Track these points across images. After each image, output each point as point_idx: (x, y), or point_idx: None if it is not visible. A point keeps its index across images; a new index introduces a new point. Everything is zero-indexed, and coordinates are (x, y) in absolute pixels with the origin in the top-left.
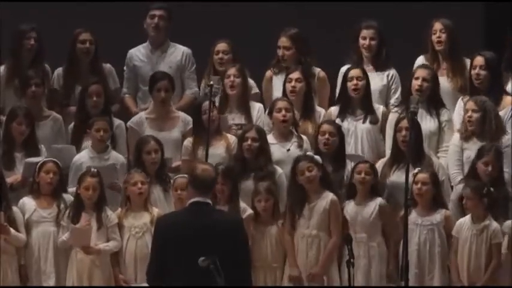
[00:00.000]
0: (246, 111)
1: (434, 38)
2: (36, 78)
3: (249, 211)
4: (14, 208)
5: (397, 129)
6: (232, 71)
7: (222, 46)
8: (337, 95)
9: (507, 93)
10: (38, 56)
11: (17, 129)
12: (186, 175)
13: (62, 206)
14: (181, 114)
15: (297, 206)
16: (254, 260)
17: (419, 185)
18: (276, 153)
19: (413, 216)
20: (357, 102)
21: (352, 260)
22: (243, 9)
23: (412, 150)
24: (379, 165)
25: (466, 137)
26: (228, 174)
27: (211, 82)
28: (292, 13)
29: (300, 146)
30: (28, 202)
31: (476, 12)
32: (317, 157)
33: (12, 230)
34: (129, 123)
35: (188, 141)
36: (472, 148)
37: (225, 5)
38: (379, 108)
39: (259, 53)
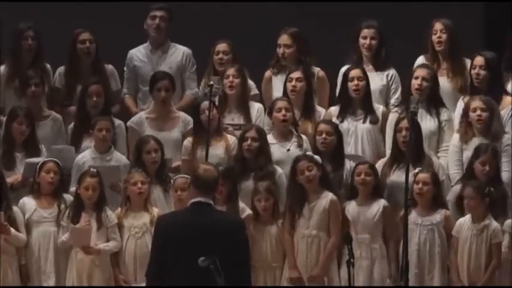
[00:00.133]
0: (245, 112)
1: (434, 38)
2: (35, 78)
3: (248, 211)
4: (14, 208)
5: (397, 130)
6: (231, 71)
7: (222, 46)
8: (337, 95)
9: (507, 93)
10: (38, 56)
11: (17, 129)
12: (186, 175)
13: (63, 206)
14: (182, 114)
15: (296, 205)
16: (254, 260)
17: (420, 185)
18: (276, 153)
19: (413, 216)
20: (357, 102)
21: (352, 259)
22: (243, 9)
23: (412, 150)
24: (379, 165)
25: (466, 139)
26: (227, 175)
27: (211, 82)
28: (292, 13)
29: (300, 145)
30: (28, 202)
31: (476, 12)
32: (317, 157)
33: (12, 230)
34: (129, 123)
35: (188, 141)
36: (472, 148)
37: (225, 5)
38: (379, 108)
39: (259, 53)
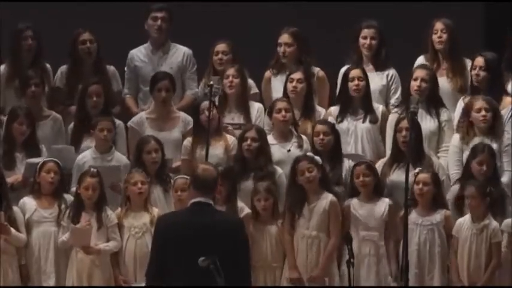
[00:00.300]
0: (245, 111)
1: (435, 37)
2: (35, 78)
3: (247, 210)
4: (15, 208)
5: (397, 130)
6: (231, 71)
7: (221, 47)
8: (337, 95)
9: (507, 94)
10: (38, 55)
11: (17, 129)
12: (186, 175)
13: (63, 206)
14: (182, 115)
15: (296, 206)
16: (254, 260)
17: (420, 185)
18: (276, 154)
19: (414, 216)
20: (357, 102)
21: (352, 259)
22: (243, 9)
23: (412, 150)
24: (379, 165)
25: (468, 140)
26: (227, 175)
27: (211, 82)
28: (292, 13)
29: (300, 146)
30: (29, 202)
31: (476, 12)
32: (317, 158)
33: (12, 230)
34: (129, 123)
35: (187, 141)
36: None
37: (225, 5)
38: (379, 108)
39: (259, 53)
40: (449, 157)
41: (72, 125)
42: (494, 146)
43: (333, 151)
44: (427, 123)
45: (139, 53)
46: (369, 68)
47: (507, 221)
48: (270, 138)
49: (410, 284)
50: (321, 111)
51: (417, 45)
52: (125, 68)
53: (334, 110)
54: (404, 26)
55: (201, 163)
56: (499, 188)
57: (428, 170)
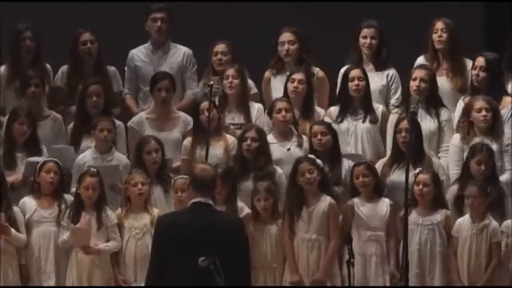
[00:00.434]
0: (246, 112)
1: (435, 37)
2: (35, 78)
3: (247, 210)
4: (15, 208)
5: (397, 130)
6: (230, 71)
7: (220, 47)
8: (337, 95)
9: (507, 94)
10: (37, 56)
11: (18, 129)
12: (185, 176)
13: (63, 206)
14: (182, 115)
15: (295, 207)
16: (254, 260)
17: (420, 186)
18: (276, 153)
19: (414, 216)
20: (357, 102)
21: (352, 260)
22: (243, 9)
23: (412, 150)
24: (379, 165)
25: (468, 140)
26: (227, 177)
27: (211, 82)
28: (292, 13)
29: (300, 145)
30: (29, 202)
31: (476, 12)
32: (319, 161)
33: (12, 230)
34: (129, 123)
35: (187, 141)
36: None
37: (225, 5)
38: (379, 108)
39: (259, 53)
40: (450, 157)
41: (72, 125)
42: (494, 146)
43: (331, 151)
44: (427, 123)
45: (139, 53)
46: (369, 67)
47: (507, 222)
48: (270, 138)
49: (412, 283)
50: (320, 111)
51: (417, 45)
52: (125, 68)
53: (334, 110)
54: (404, 26)
55: (199, 163)
56: (498, 188)
57: (428, 170)
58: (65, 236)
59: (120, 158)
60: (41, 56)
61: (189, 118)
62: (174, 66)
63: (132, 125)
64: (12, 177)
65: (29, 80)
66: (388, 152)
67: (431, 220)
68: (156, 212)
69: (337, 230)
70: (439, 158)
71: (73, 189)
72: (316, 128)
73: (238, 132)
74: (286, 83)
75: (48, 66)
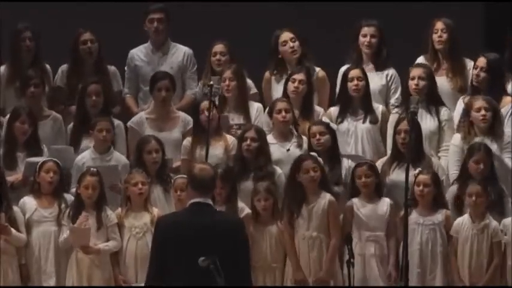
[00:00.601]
0: (245, 112)
1: (435, 37)
2: (35, 78)
3: (247, 210)
4: (15, 208)
5: (396, 131)
6: (227, 74)
7: (219, 47)
8: (336, 95)
9: (507, 94)
10: (37, 56)
11: (19, 128)
12: (185, 175)
13: (63, 205)
14: (182, 114)
15: (294, 204)
16: (254, 260)
17: (421, 187)
18: (275, 153)
19: (415, 216)
20: (357, 102)
21: (352, 260)
22: (243, 10)
23: (412, 151)
24: (379, 164)
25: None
26: (227, 177)
27: (211, 82)
28: (292, 13)
29: (300, 145)
30: (29, 201)
31: (476, 12)
32: (320, 159)
33: (13, 230)
34: (129, 123)
35: (187, 141)
36: None
37: (225, 5)
38: (379, 108)
39: (259, 53)
40: (450, 157)
41: (71, 124)
42: (495, 145)
43: (330, 151)
44: (427, 123)
45: (139, 53)
46: (368, 67)
47: (505, 220)
48: (270, 138)
49: (413, 283)
50: (319, 111)
51: (417, 45)
52: (125, 68)
53: (334, 110)
54: (404, 26)
55: (198, 163)
56: (497, 188)
57: (428, 170)
58: (65, 234)
59: (118, 157)
60: (40, 56)
61: (189, 118)
62: (174, 66)
63: (132, 125)
64: (12, 177)
65: (29, 80)
66: (389, 152)
67: (432, 220)
68: (156, 211)
69: (337, 228)
70: (439, 158)
71: (73, 190)
72: (314, 128)
73: (239, 132)
74: (286, 83)
75: (48, 66)
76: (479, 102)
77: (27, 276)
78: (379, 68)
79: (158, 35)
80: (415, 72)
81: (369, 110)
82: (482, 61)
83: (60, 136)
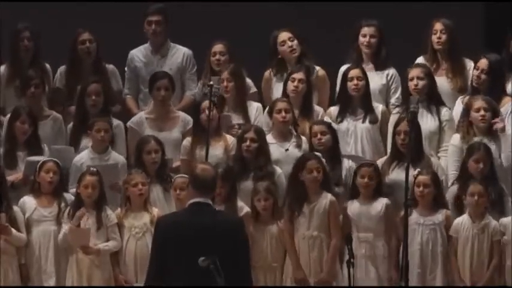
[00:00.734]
0: (244, 112)
1: (434, 38)
2: (36, 78)
3: (246, 209)
4: (15, 207)
5: (396, 132)
6: (225, 74)
7: (218, 47)
8: (336, 94)
9: (507, 94)
10: (36, 56)
11: (20, 128)
12: (185, 175)
13: (63, 205)
14: (181, 114)
15: (296, 203)
16: (254, 260)
17: (421, 188)
18: (274, 153)
19: (415, 216)
20: (357, 102)
21: (352, 260)
22: (243, 10)
23: (411, 150)
24: (378, 164)
25: (468, 139)
26: (227, 176)
27: (211, 82)
28: (292, 13)
29: (299, 146)
30: (28, 201)
31: (476, 12)
32: (323, 160)
33: (13, 230)
34: (129, 123)
35: (187, 141)
36: None
37: (225, 5)
38: (378, 107)
39: (259, 53)
40: (449, 157)
41: (71, 124)
42: (493, 146)
43: (331, 151)
44: (428, 123)
45: (139, 53)
46: (368, 67)
47: (503, 219)
48: (269, 138)
49: (414, 283)
50: (319, 110)
51: (417, 45)
52: (125, 68)
53: (334, 110)
54: (404, 26)
55: (200, 163)
56: (497, 187)
57: (428, 171)
58: (64, 230)
59: (116, 157)
60: (39, 56)
61: (189, 118)
62: (174, 67)
63: (131, 125)
64: (12, 176)
65: (29, 81)
66: (389, 152)
67: (432, 220)
68: (155, 211)
69: (338, 228)
70: (439, 158)
71: (72, 190)
72: (316, 127)
73: (240, 132)
74: (285, 83)
75: (48, 66)
76: (478, 103)
77: (27, 276)
78: (379, 67)
79: (156, 37)
80: (414, 72)
81: (368, 110)
82: (483, 63)
83: (60, 136)
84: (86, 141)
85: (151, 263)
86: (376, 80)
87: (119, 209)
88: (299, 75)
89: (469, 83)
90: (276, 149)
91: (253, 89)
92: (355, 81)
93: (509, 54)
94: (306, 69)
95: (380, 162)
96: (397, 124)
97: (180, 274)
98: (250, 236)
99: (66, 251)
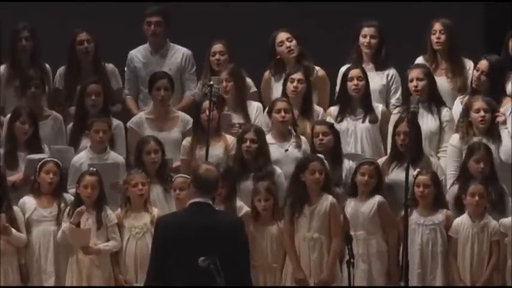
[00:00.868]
0: (244, 112)
1: (433, 38)
2: (36, 79)
3: (246, 209)
4: (15, 207)
5: (395, 133)
6: (223, 75)
7: (218, 47)
8: (336, 94)
9: (506, 95)
10: (35, 55)
11: (20, 128)
12: (185, 175)
13: (63, 205)
14: (181, 114)
15: (297, 204)
16: (254, 260)
17: (421, 188)
18: (274, 153)
19: (415, 216)
20: (357, 102)
21: (352, 260)
22: (243, 10)
23: (411, 151)
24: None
25: (467, 140)
26: (227, 176)
27: (211, 82)
28: (292, 13)
29: (299, 146)
30: (28, 201)
31: (476, 12)
32: (326, 162)
33: (13, 231)
34: (129, 123)
35: (187, 141)
36: None
37: (225, 5)
38: (378, 107)
39: (259, 53)
40: (448, 157)
41: (71, 124)
42: (493, 146)
43: (333, 151)
44: (428, 123)
45: (138, 54)
46: (369, 67)
47: (503, 220)
48: (269, 138)
49: (414, 283)
50: (318, 110)
51: (417, 45)
52: (125, 69)
53: (334, 110)
54: (404, 26)
55: (204, 163)
56: (498, 187)
57: (427, 171)
58: (63, 227)
59: (115, 157)
60: (38, 56)
61: (189, 118)
62: (173, 67)
63: (131, 125)
64: (13, 177)
65: (29, 81)
66: (389, 152)
67: (432, 220)
68: (155, 211)
69: (338, 230)
70: (438, 158)
71: (71, 191)
72: (318, 128)
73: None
74: (285, 83)
75: (47, 66)
76: (478, 103)
77: (27, 276)
78: (379, 67)
79: (155, 37)
80: (413, 74)
81: (368, 110)
82: (484, 64)
83: (60, 136)
84: (86, 141)
85: (151, 262)
86: (376, 80)
87: (119, 209)
88: (298, 76)
89: (469, 82)
90: (275, 149)
91: (253, 89)
92: (355, 81)
93: (508, 55)
94: (304, 69)
95: (380, 162)
96: (396, 125)
97: (180, 274)
98: (250, 236)
99: (66, 251)
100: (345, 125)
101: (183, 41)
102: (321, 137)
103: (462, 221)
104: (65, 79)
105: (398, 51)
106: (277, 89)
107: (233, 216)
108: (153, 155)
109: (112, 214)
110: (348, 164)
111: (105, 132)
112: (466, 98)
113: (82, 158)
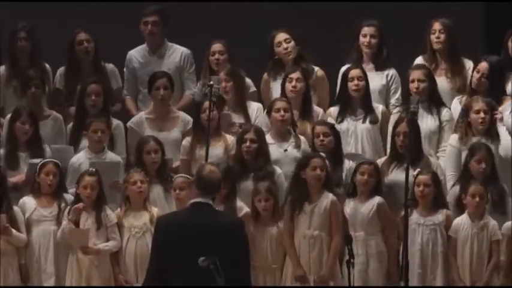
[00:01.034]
0: (244, 111)
1: (433, 37)
2: (36, 79)
3: (246, 209)
4: (15, 208)
5: (395, 133)
6: (222, 75)
7: (217, 47)
8: (336, 94)
9: (507, 95)
10: (34, 55)
11: (20, 128)
12: (185, 175)
13: (63, 205)
14: (181, 114)
15: (297, 201)
16: (254, 260)
17: (421, 188)
18: (273, 153)
19: (415, 216)
20: (357, 102)
21: (352, 260)
22: (242, 10)
23: (411, 151)
24: (378, 164)
25: (466, 140)
26: (227, 176)
27: (211, 82)
28: (292, 13)
29: (298, 146)
30: (28, 201)
31: (476, 12)
32: (326, 161)
33: (13, 231)
34: (129, 123)
35: (186, 141)
36: None
37: (224, 5)
38: (378, 107)
39: (259, 53)
40: (447, 157)
41: (71, 124)
42: (492, 146)
43: (333, 152)
44: (428, 123)
45: (137, 54)
46: (369, 67)
47: (507, 223)
48: (268, 138)
49: (414, 283)
50: (318, 111)
51: (417, 45)
52: (124, 69)
53: (334, 110)
54: (404, 26)
55: (208, 164)
56: (498, 187)
57: (428, 170)
58: (63, 226)
59: (113, 157)
60: (37, 56)
61: (189, 118)
62: (172, 67)
63: (131, 125)
64: (16, 178)
65: (29, 81)
66: (388, 152)
67: (432, 220)
68: (155, 210)
69: (339, 228)
70: (437, 158)
71: (70, 191)
72: (318, 128)
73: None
74: (283, 83)
75: (47, 66)
76: (478, 104)
77: (27, 276)
78: (379, 68)
79: (153, 37)
80: (415, 75)
81: (368, 110)
82: (484, 66)
83: (60, 136)
84: (86, 142)
85: (151, 262)
86: (376, 80)
87: (119, 209)
88: (296, 75)
89: (468, 83)
90: (275, 149)
91: (253, 88)
92: (355, 82)
93: (508, 55)
94: (303, 71)
95: (379, 162)
96: (396, 125)
97: (180, 274)
98: (250, 236)
99: (66, 250)
100: (345, 126)
101: (183, 40)
102: (321, 137)
103: (462, 221)
104: (65, 79)
105: (398, 51)
106: (276, 90)
107: (233, 217)
108: (153, 154)
109: (112, 214)
110: (348, 165)
111: (103, 132)
112: (465, 98)
113: (80, 158)
